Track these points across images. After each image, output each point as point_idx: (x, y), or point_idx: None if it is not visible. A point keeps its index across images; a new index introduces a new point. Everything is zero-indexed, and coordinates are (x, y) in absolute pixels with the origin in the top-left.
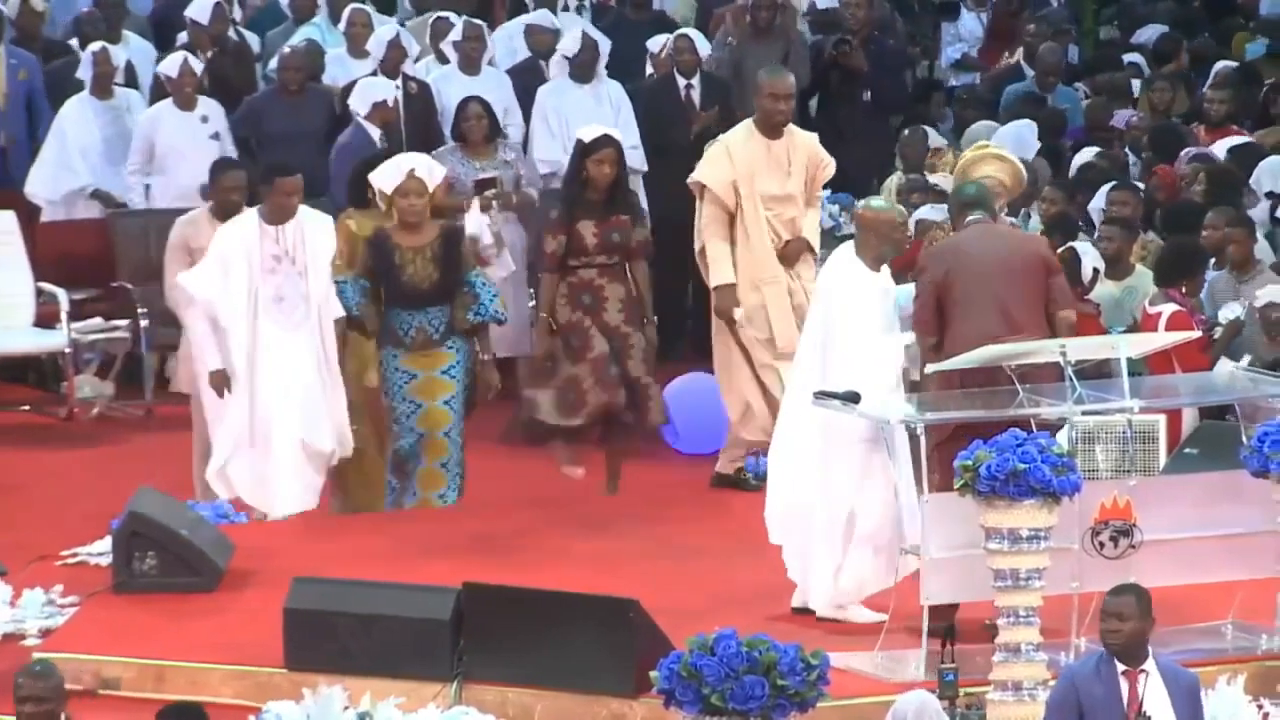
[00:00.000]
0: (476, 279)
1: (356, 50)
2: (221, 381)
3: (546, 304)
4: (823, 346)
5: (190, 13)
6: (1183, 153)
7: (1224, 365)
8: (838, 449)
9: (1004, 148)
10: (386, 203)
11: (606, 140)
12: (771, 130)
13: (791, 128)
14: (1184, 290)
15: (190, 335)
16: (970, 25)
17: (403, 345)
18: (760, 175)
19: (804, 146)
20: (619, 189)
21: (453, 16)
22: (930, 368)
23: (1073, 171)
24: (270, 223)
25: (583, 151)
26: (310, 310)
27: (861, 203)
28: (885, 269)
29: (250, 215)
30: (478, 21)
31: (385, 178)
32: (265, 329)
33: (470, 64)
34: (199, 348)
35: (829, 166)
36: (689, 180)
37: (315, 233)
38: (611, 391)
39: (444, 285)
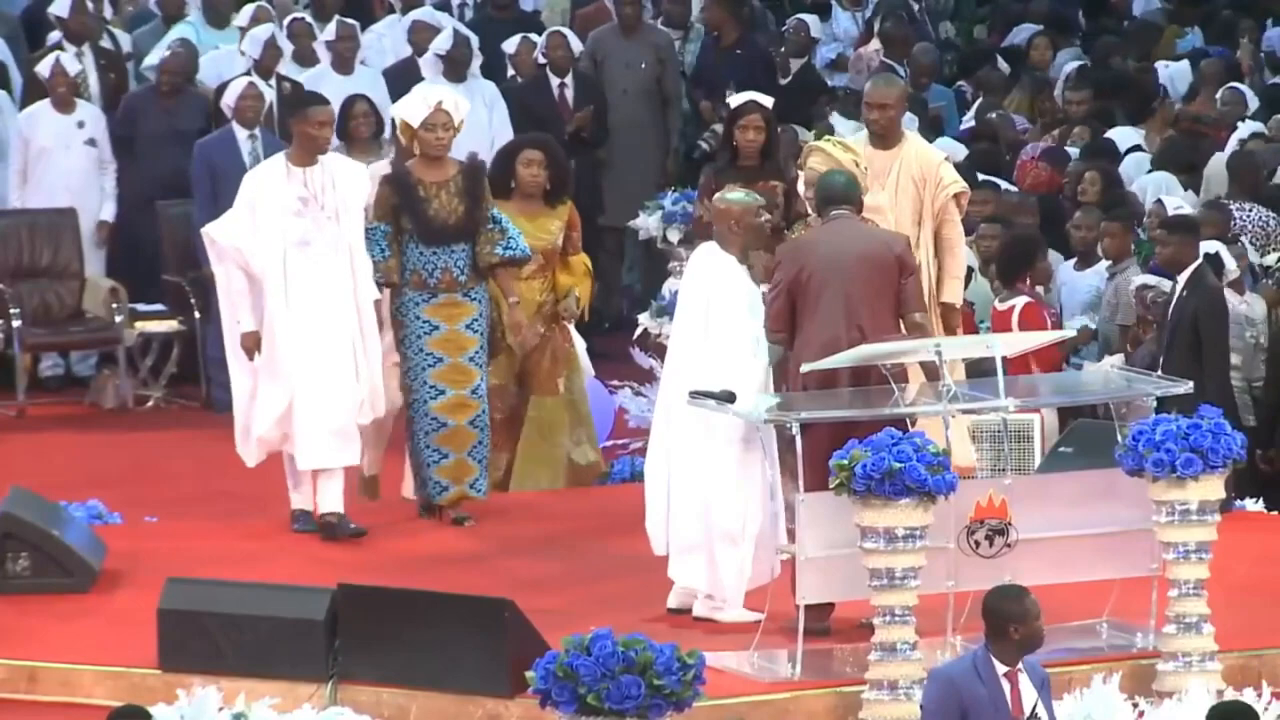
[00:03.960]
0: (501, 215)
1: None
2: (253, 344)
3: None
4: (700, 346)
5: (53, 10)
6: (1025, 149)
7: (1096, 364)
8: (717, 449)
9: (835, 141)
10: (409, 135)
11: (751, 106)
12: (875, 140)
13: (912, 140)
14: (1029, 282)
15: (223, 292)
16: (845, 25)
17: (427, 288)
18: None
19: (916, 162)
20: (770, 154)
21: (309, 16)
22: (805, 367)
23: None
24: (296, 164)
25: (730, 118)
26: (340, 257)
27: (718, 195)
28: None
29: (276, 159)
30: (350, 21)
31: (411, 110)
32: (292, 274)
33: (343, 64)
34: (233, 305)
35: (949, 188)
36: None
37: (346, 178)
38: None
39: (469, 220)
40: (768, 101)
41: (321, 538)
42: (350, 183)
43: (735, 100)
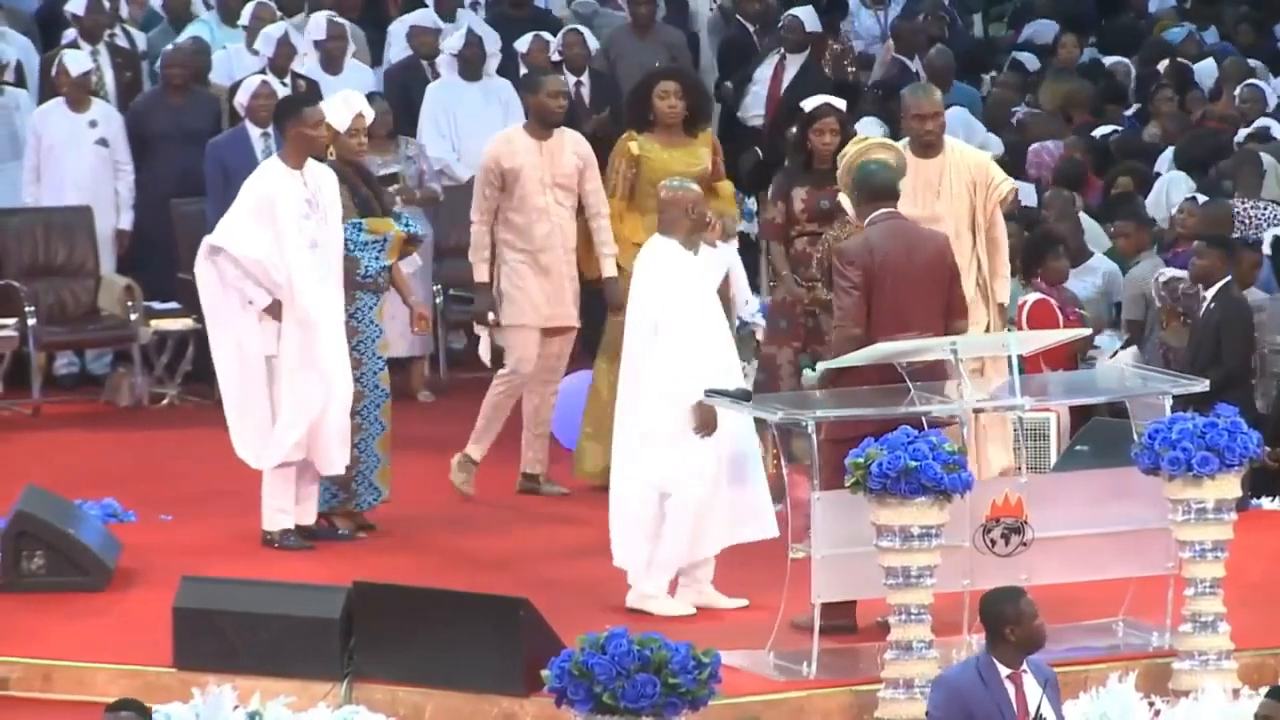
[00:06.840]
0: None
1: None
2: (279, 311)
3: (778, 271)
4: (658, 336)
5: (69, 8)
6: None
7: (1108, 361)
8: (650, 431)
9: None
10: (331, 138)
11: (826, 109)
12: (921, 149)
13: (955, 146)
14: (1040, 278)
15: (221, 282)
16: (867, 24)
17: (377, 289)
18: (904, 195)
19: (966, 166)
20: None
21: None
22: (819, 365)
23: None
24: (293, 166)
25: (804, 122)
26: (337, 258)
27: (662, 183)
28: (704, 251)
29: (274, 163)
30: (340, 20)
31: (338, 116)
32: (305, 278)
33: (332, 63)
34: (240, 289)
35: (1001, 186)
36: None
37: (328, 180)
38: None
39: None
40: (841, 104)
41: (304, 538)
42: (332, 184)
43: (809, 104)
